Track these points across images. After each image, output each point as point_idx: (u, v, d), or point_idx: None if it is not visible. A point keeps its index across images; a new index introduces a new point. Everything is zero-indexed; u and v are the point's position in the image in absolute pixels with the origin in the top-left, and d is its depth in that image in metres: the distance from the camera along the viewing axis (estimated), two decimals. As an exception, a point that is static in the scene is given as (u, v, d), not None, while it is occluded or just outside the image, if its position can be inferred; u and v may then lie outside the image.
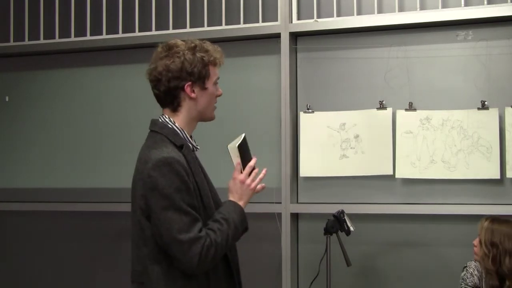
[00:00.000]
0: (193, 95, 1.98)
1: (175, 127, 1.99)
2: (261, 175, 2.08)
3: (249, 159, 2.07)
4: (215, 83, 2.05)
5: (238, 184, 2.03)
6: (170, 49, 1.98)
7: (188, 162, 1.94)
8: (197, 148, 2.07)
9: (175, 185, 1.86)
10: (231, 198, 2.02)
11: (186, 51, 1.97)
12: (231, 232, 1.93)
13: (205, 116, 2.06)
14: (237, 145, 2.02)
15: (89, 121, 3.84)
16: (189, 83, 1.97)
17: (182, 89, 1.97)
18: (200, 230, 1.86)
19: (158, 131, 1.99)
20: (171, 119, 2.00)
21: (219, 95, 2.07)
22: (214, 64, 2.02)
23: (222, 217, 1.94)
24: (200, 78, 1.98)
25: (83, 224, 3.83)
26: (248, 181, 2.03)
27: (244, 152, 2.06)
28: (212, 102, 2.05)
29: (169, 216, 1.84)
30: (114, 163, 3.73)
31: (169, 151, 1.90)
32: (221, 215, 1.95)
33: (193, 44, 1.99)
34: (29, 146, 3.96)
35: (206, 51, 2.00)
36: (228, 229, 1.92)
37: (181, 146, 1.96)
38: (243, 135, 2.07)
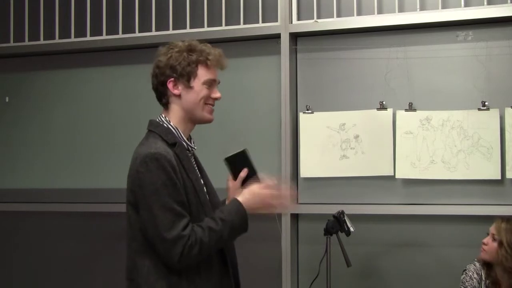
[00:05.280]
0: (176, 91, 2.01)
1: (170, 126, 2.03)
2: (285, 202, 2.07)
3: (250, 174, 2.08)
4: (208, 85, 2.04)
5: (263, 192, 2.00)
6: (166, 48, 2.05)
7: (180, 159, 1.96)
8: (194, 148, 2.09)
9: (161, 180, 1.88)
10: (240, 198, 1.99)
11: (176, 49, 2.02)
12: (225, 234, 1.92)
13: (194, 116, 2.05)
14: (225, 157, 2.08)
15: (90, 121, 3.84)
16: (172, 79, 2.01)
17: (166, 84, 2.02)
18: (185, 227, 1.86)
19: (153, 130, 2.03)
20: (167, 118, 2.04)
21: (216, 98, 2.07)
22: (205, 64, 2.02)
23: (220, 217, 1.93)
24: (183, 75, 2.00)
25: (84, 225, 3.83)
26: (272, 199, 2.01)
27: (237, 165, 2.08)
28: (200, 103, 2.03)
29: (155, 213, 1.87)
30: (115, 163, 3.73)
31: (157, 147, 1.93)
32: (222, 214, 1.94)
33: (187, 43, 2.04)
34: (29, 147, 3.96)
35: (199, 51, 2.02)
36: (223, 230, 1.91)
37: (173, 144, 1.98)
38: (242, 149, 2.10)
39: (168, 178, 1.89)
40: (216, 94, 2.07)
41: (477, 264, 2.77)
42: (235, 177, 2.10)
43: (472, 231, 3.10)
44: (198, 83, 2.02)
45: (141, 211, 1.91)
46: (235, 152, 2.10)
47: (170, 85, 2.01)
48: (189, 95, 2.02)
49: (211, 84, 2.05)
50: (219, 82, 2.10)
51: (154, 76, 2.05)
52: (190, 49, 2.02)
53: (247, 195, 2.00)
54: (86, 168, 3.83)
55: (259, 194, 2.01)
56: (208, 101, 2.05)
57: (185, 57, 2.00)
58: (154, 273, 1.91)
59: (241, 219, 1.96)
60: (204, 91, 2.03)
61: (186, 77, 2.01)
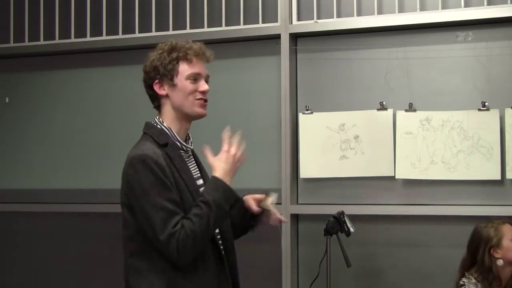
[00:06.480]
0: (162, 92, 2.04)
1: (163, 127, 2.04)
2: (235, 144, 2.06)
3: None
4: (193, 79, 2.04)
5: (225, 155, 2.01)
6: (151, 52, 2.08)
7: (171, 159, 1.98)
8: (189, 147, 2.10)
9: (150, 181, 1.89)
10: (214, 173, 1.99)
11: (159, 51, 2.05)
12: (212, 214, 1.91)
13: (185, 113, 2.05)
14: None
15: (89, 122, 3.84)
16: (156, 80, 2.03)
17: (153, 87, 2.04)
18: (176, 224, 1.88)
19: (146, 132, 2.06)
20: (160, 119, 2.07)
21: (203, 91, 2.05)
22: (186, 59, 2.03)
23: (201, 200, 1.93)
24: (165, 74, 2.02)
25: (84, 225, 3.83)
26: (233, 150, 2.03)
27: None
28: (188, 98, 2.03)
29: (148, 213, 1.89)
30: (115, 164, 3.69)
31: (145, 149, 1.95)
32: (201, 197, 1.95)
33: (169, 43, 2.06)
34: (29, 147, 3.96)
35: (179, 48, 2.04)
36: (209, 211, 1.91)
37: (165, 144, 2.00)
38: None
39: (157, 179, 1.90)
40: (203, 87, 2.05)
41: (473, 279, 2.69)
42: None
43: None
44: (181, 79, 2.03)
45: (136, 213, 1.93)
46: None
47: (156, 87, 2.04)
48: (175, 93, 2.03)
49: (196, 78, 2.04)
50: (208, 76, 2.09)
51: (143, 81, 2.09)
52: (171, 48, 2.04)
53: (218, 165, 2.00)
54: (86, 168, 3.83)
55: (227, 158, 2.01)
56: (196, 95, 2.04)
57: (165, 56, 2.02)
58: (154, 272, 1.93)
59: (224, 192, 1.95)
60: (189, 86, 2.03)
61: (169, 75, 2.02)
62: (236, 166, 2.02)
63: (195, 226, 1.88)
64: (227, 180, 1.98)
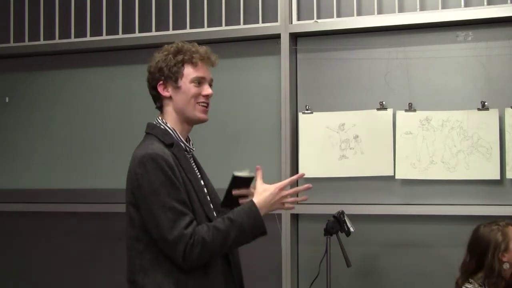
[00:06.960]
0: (166, 93, 2.04)
1: (167, 127, 2.04)
2: (292, 190, 2.08)
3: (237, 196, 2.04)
4: (197, 82, 2.04)
5: (272, 188, 2.02)
6: (156, 53, 2.08)
7: (178, 159, 1.98)
8: (192, 149, 2.11)
9: (160, 180, 1.89)
10: (255, 198, 2.00)
11: (165, 53, 2.05)
12: (233, 234, 1.91)
13: (187, 117, 2.06)
14: (235, 174, 2.02)
15: (89, 122, 3.84)
16: (160, 82, 2.04)
17: (157, 88, 2.05)
18: (187, 226, 1.87)
19: (150, 132, 2.05)
20: (163, 120, 2.06)
21: (207, 95, 2.06)
22: (191, 62, 2.03)
23: (228, 217, 1.93)
24: (170, 76, 2.03)
25: (84, 225, 3.83)
26: (285, 192, 2.04)
27: (237, 185, 2.03)
28: (190, 101, 2.04)
29: (155, 213, 1.88)
30: (115, 164, 3.73)
31: (154, 148, 1.94)
32: (231, 214, 1.94)
33: (175, 45, 2.06)
34: (29, 147, 3.96)
35: (185, 51, 2.04)
36: (230, 231, 1.90)
37: (170, 144, 2.00)
38: (252, 175, 2.06)
39: (167, 178, 1.89)
40: (206, 90, 2.06)
41: (476, 284, 2.63)
42: (229, 192, 2.05)
43: (471, 231, 3.09)
44: (185, 82, 2.03)
45: (142, 211, 1.92)
46: (248, 176, 2.06)
47: (160, 88, 2.04)
48: (178, 95, 2.04)
49: (200, 82, 2.05)
50: (211, 80, 2.10)
51: (147, 81, 2.09)
52: (177, 51, 2.04)
53: (263, 193, 2.00)
54: (86, 168, 3.83)
55: (275, 193, 2.02)
56: (198, 99, 2.05)
57: (171, 58, 2.03)
58: (161, 272, 1.91)
59: (254, 220, 1.95)
60: (193, 90, 2.04)
61: (173, 77, 2.03)
62: (276, 206, 2.04)
63: (209, 237, 1.88)
64: (262, 211, 1.98)
